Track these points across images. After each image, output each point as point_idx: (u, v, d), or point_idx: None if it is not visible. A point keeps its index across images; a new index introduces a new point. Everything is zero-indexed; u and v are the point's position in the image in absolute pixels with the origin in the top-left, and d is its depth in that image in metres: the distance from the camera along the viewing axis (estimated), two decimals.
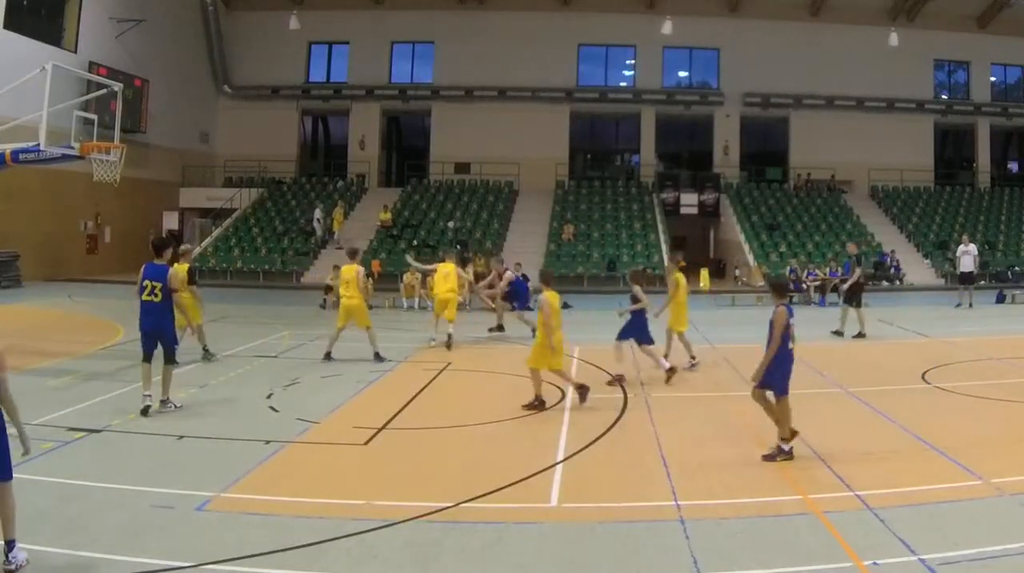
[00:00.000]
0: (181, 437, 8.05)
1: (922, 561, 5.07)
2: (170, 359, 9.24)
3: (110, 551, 5.19)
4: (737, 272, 29.51)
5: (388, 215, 31.99)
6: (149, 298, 9.14)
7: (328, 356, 12.66)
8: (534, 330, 10.57)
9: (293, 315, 19.74)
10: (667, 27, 34.35)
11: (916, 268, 29.33)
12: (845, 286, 16.39)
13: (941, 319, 19.03)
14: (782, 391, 7.37)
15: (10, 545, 4.88)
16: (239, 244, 31.05)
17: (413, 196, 35.17)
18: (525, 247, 29.28)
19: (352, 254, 13.81)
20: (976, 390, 10.35)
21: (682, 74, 39.11)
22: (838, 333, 15.65)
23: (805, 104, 36.91)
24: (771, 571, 5.06)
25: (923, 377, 11.29)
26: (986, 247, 29.41)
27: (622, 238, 31.39)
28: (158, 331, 9.18)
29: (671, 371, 11.10)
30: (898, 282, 28.19)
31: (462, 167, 36.63)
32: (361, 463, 7.54)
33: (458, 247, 28.41)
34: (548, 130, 36.53)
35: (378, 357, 12.59)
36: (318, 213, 31.70)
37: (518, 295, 16.66)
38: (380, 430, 8.41)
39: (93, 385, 10.41)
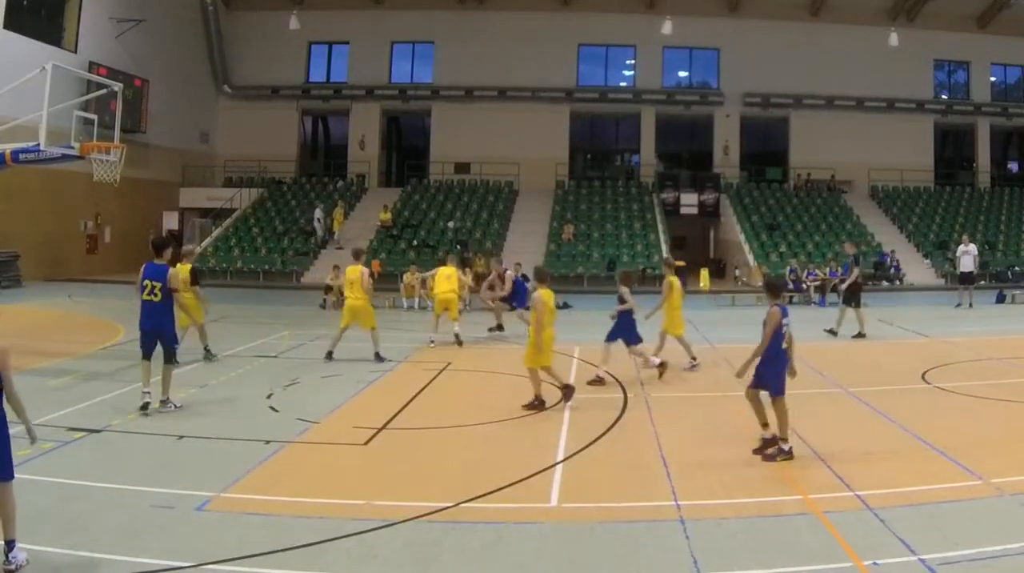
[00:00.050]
0: (181, 437, 8.05)
1: (922, 561, 5.07)
2: (169, 359, 9.24)
3: (110, 551, 5.19)
4: (737, 272, 29.50)
5: (388, 215, 31.99)
6: (149, 298, 9.16)
7: (330, 355, 12.68)
8: None
9: (293, 315, 19.74)
10: (667, 27, 34.35)
11: (916, 268, 29.33)
12: (843, 286, 16.38)
13: (941, 319, 19.03)
14: (778, 391, 7.38)
15: (10, 545, 4.88)
16: (239, 244, 31.04)
17: (413, 196, 35.17)
18: (525, 247, 29.28)
19: (357, 255, 13.86)
20: (976, 390, 10.36)
21: (682, 74, 39.11)
22: (831, 332, 15.63)
23: (805, 104, 36.91)
24: (771, 571, 5.06)
25: (923, 377, 11.30)
26: (986, 247, 29.41)
27: (622, 238, 31.39)
28: (158, 331, 9.19)
29: (662, 366, 11.14)
30: (898, 282, 28.19)
31: (462, 167, 36.63)
32: (361, 463, 7.54)
33: (458, 247, 28.44)
34: (548, 130, 36.53)
35: (378, 357, 12.59)
36: (318, 213, 31.70)
37: (517, 295, 16.68)
38: (380, 430, 8.41)
39: (93, 385, 10.41)
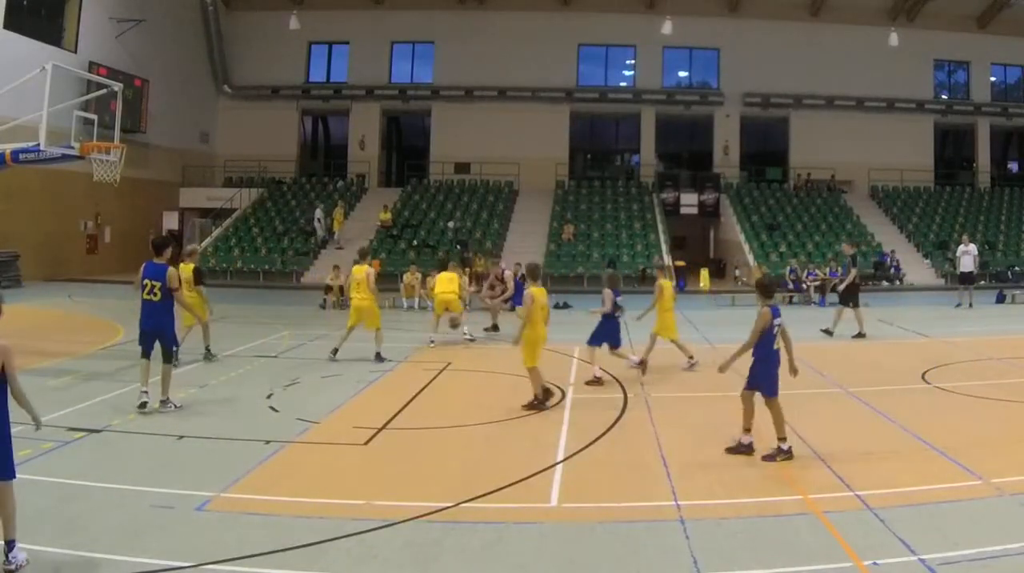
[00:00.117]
0: (181, 437, 8.05)
1: (922, 561, 5.07)
2: (168, 358, 9.24)
3: (110, 551, 5.19)
4: (737, 272, 29.51)
5: (388, 215, 31.99)
6: (149, 297, 9.17)
7: (335, 352, 12.71)
8: None
9: (293, 315, 19.74)
10: (667, 27, 34.36)
11: (916, 268, 29.34)
12: (841, 287, 16.34)
13: (941, 319, 19.03)
14: (771, 392, 7.39)
15: (10, 545, 4.88)
16: (239, 244, 31.04)
17: (413, 196, 35.17)
18: (525, 247, 29.27)
19: (363, 255, 13.90)
20: (976, 390, 10.35)
21: (682, 74, 39.12)
22: (827, 332, 15.62)
23: (805, 104, 36.92)
24: (771, 571, 5.06)
25: (923, 377, 11.29)
26: (986, 247, 29.41)
27: (622, 238, 31.39)
28: (158, 331, 9.20)
29: (641, 365, 11.11)
30: (898, 282, 28.20)
31: (462, 167, 36.63)
32: (361, 463, 7.54)
33: (458, 247, 28.45)
34: (548, 130, 36.53)
35: (379, 358, 12.60)
36: (319, 213, 31.69)
37: (517, 294, 16.73)
38: (380, 430, 8.41)
39: (93, 385, 10.43)
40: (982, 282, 25.28)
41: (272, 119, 37.18)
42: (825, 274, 24.09)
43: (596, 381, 10.88)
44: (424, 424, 8.77)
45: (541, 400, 9.48)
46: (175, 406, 9.18)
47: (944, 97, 38.36)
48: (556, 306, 20.02)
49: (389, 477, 7.06)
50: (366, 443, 7.97)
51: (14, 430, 5.03)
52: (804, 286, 24.17)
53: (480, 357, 13.59)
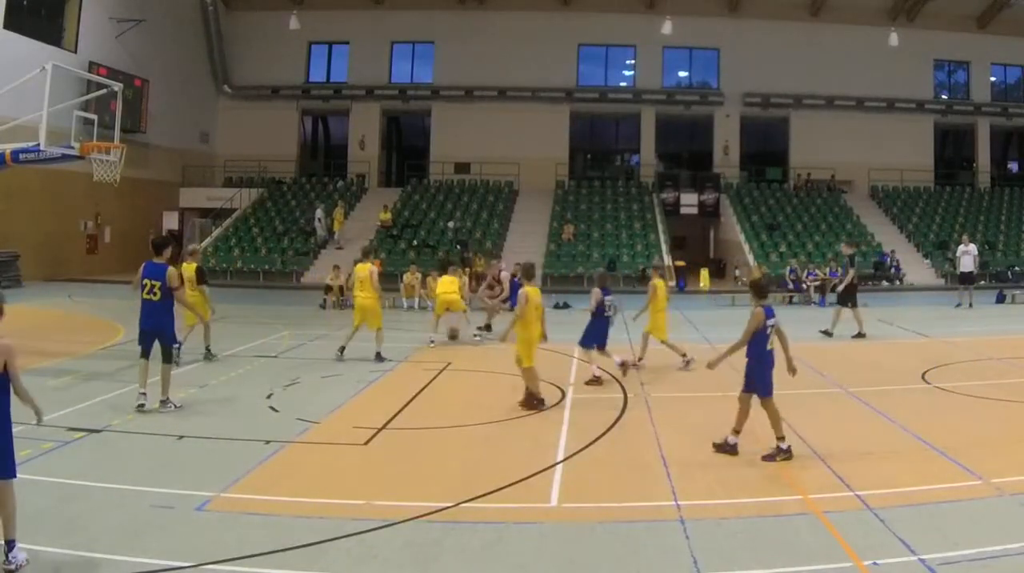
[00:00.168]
0: (181, 437, 8.05)
1: (922, 561, 5.08)
2: (168, 358, 9.24)
3: (110, 551, 5.19)
4: (737, 272, 29.50)
5: (388, 215, 31.98)
6: (148, 297, 9.18)
7: (342, 351, 12.74)
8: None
9: (293, 315, 19.74)
10: (667, 27, 34.35)
11: (916, 268, 29.33)
12: (840, 288, 16.28)
13: (941, 319, 19.03)
14: (765, 393, 7.40)
15: (10, 545, 4.88)
16: (239, 244, 31.04)
17: (413, 196, 35.17)
18: (525, 247, 29.27)
19: (366, 253, 13.93)
20: (976, 390, 10.35)
21: (682, 74, 39.11)
22: (827, 333, 15.63)
23: (805, 104, 36.90)
24: (771, 571, 5.06)
25: (923, 377, 11.30)
26: (986, 247, 29.41)
27: (622, 238, 31.39)
28: (157, 330, 9.22)
29: (623, 366, 11.09)
30: (898, 282, 28.20)
31: (462, 167, 36.63)
32: (361, 463, 7.54)
33: (458, 247, 28.45)
34: (548, 130, 36.52)
35: (379, 357, 12.60)
36: (319, 213, 31.67)
37: (514, 294, 16.74)
38: (380, 430, 8.41)
39: (93, 385, 10.43)
40: (982, 282, 25.27)
41: (272, 119, 37.17)
42: (825, 274, 24.10)
43: (595, 380, 10.89)
44: (424, 424, 8.77)
45: (539, 400, 9.48)
46: (175, 406, 9.18)
47: (944, 97, 38.35)
48: (556, 306, 20.05)
49: (389, 477, 7.06)
50: (366, 443, 7.98)
51: (15, 430, 5.04)
52: (804, 286, 24.17)
53: (480, 357, 13.59)
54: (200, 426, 8.52)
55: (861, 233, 31.50)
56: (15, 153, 14.16)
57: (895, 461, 7.31)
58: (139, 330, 9.31)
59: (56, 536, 5.37)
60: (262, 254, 30.23)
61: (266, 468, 7.13)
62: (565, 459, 7.46)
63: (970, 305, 21.14)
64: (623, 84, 38.80)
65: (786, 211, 33.97)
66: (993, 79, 38.45)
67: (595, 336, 11.21)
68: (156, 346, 9.24)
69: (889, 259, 28.86)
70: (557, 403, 9.75)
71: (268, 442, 7.85)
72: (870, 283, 26.93)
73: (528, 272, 10.20)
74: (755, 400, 7.48)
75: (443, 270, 15.78)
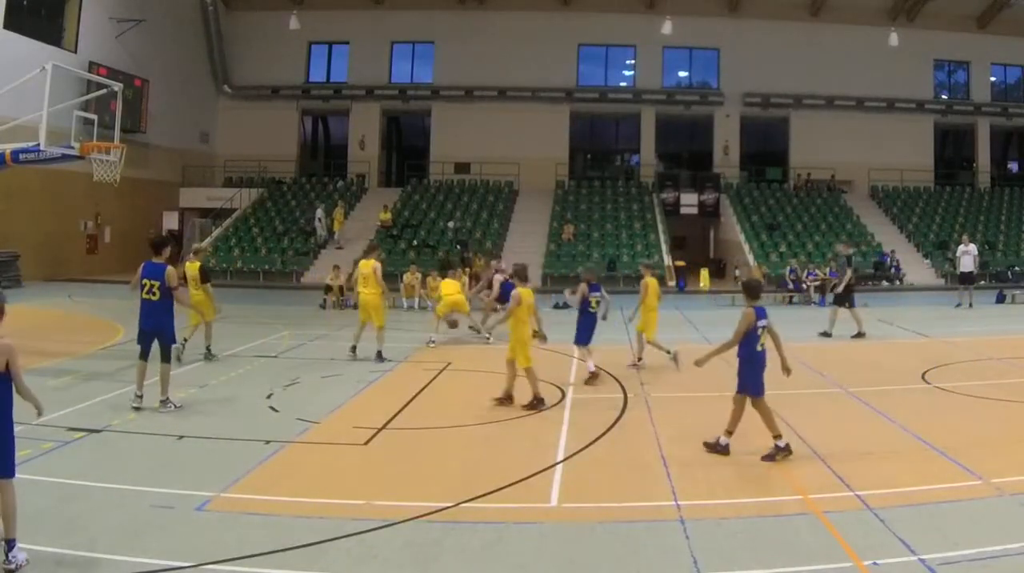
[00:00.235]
0: (181, 437, 8.05)
1: (922, 561, 5.07)
2: (167, 358, 9.23)
3: (110, 551, 5.19)
4: (737, 272, 29.48)
5: (388, 215, 31.99)
6: (147, 297, 9.17)
7: (354, 350, 12.79)
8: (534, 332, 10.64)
9: (293, 315, 19.74)
10: (667, 27, 34.36)
11: (916, 268, 29.35)
12: (839, 288, 16.22)
13: (941, 319, 19.04)
14: (756, 393, 7.41)
15: (10, 544, 4.88)
16: (239, 244, 31.05)
17: (413, 196, 35.17)
18: (525, 247, 29.28)
19: (370, 249, 13.96)
20: (976, 390, 10.35)
21: (682, 74, 39.12)
22: (826, 334, 15.64)
23: (805, 104, 36.92)
24: (771, 571, 5.06)
25: (923, 377, 11.30)
26: (986, 247, 29.42)
27: (622, 238, 31.39)
28: (157, 330, 9.21)
29: (593, 377, 11.00)
30: (898, 282, 28.21)
31: (462, 167, 36.64)
32: (361, 463, 7.54)
33: (458, 247, 28.45)
34: (548, 130, 36.54)
35: (380, 357, 12.60)
36: (320, 213, 31.68)
37: (506, 296, 16.78)
38: (380, 430, 8.41)
39: (93, 385, 10.43)
40: (982, 282, 25.29)
41: (272, 119, 37.18)
42: (825, 274, 24.09)
43: (593, 377, 10.90)
44: (424, 424, 8.77)
45: (539, 400, 9.49)
46: (175, 406, 9.17)
47: (944, 97, 38.37)
48: (556, 306, 20.03)
49: (389, 477, 7.06)
50: (366, 443, 7.97)
51: (17, 429, 5.04)
52: (804, 286, 24.17)
53: (480, 357, 13.59)
54: (200, 426, 8.52)
55: (861, 233, 31.53)
56: (15, 153, 14.16)
57: (895, 461, 7.31)
58: (139, 330, 9.32)
59: (56, 536, 5.37)
60: (262, 254, 30.24)
61: (266, 468, 7.13)
62: (565, 459, 7.45)
63: (970, 305, 21.14)
64: (623, 84, 38.81)
65: (786, 211, 33.97)
66: (993, 79, 38.46)
67: (585, 331, 11.29)
68: (156, 347, 9.24)
69: (889, 259, 28.87)
70: (557, 403, 9.75)
71: (268, 442, 7.85)
72: (870, 283, 26.95)
73: (521, 274, 10.21)
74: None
75: (443, 270, 15.83)
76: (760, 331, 7.42)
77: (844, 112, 36.67)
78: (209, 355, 12.58)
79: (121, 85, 16.77)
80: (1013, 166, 41.34)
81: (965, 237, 23.55)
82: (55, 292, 23.14)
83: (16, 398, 5.07)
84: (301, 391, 10.57)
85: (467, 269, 22.15)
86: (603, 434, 8.32)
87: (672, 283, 27.70)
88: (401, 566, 5.18)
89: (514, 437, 8.42)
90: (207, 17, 35.17)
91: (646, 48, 37.33)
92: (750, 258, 29.51)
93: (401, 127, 42.22)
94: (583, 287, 11.43)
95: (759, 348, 7.43)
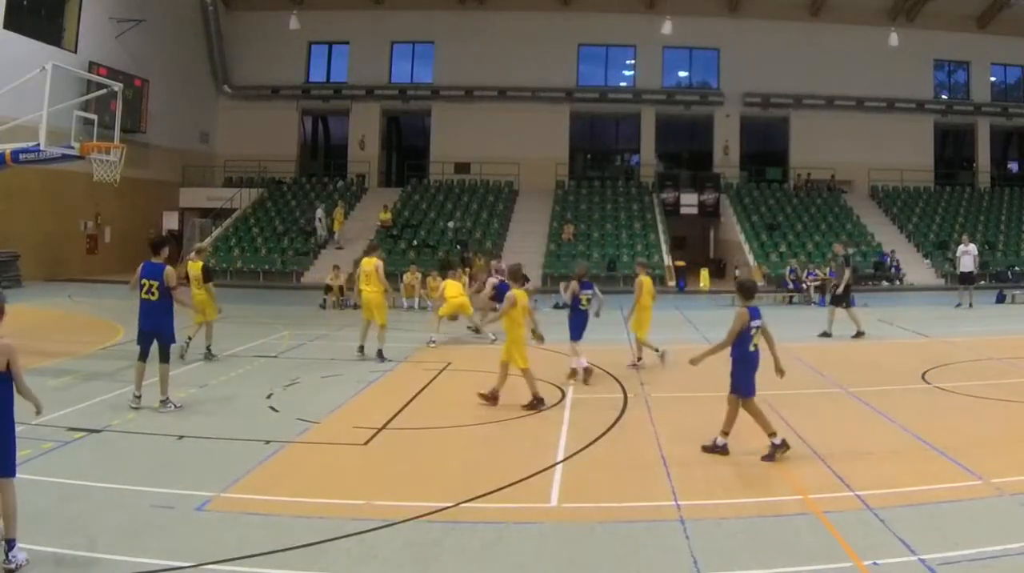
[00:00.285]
0: (181, 437, 8.05)
1: (922, 561, 5.07)
2: (166, 358, 9.23)
3: (110, 551, 5.19)
4: (737, 272, 29.43)
5: (388, 215, 31.98)
6: (147, 297, 9.16)
7: (361, 349, 12.80)
8: (533, 333, 10.68)
9: (293, 315, 19.74)
10: (667, 27, 34.35)
11: (916, 268, 29.34)
12: (839, 289, 16.17)
13: (941, 319, 19.03)
14: (746, 394, 7.43)
15: (10, 544, 4.88)
16: (239, 244, 31.04)
17: (413, 196, 35.17)
18: (525, 247, 29.29)
19: (372, 248, 13.99)
20: (976, 390, 10.35)
21: (682, 74, 39.11)
22: (826, 334, 15.63)
23: (805, 104, 36.91)
24: (771, 571, 5.06)
25: (923, 377, 11.29)
26: (986, 247, 29.41)
27: (622, 238, 31.39)
28: (156, 330, 9.21)
29: (572, 373, 11.11)
30: (898, 282, 28.21)
31: (462, 167, 36.63)
32: (361, 463, 7.54)
33: (458, 247, 28.45)
34: (548, 130, 36.53)
35: (381, 356, 12.61)
36: (320, 213, 31.67)
37: (500, 297, 16.82)
38: (380, 430, 8.41)
39: (93, 385, 10.43)
40: (982, 282, 25.28)
41: (272, 119, 37.17)
42: (825, 274, 24.06)
43: (587, 373, 10.96)
44: (424, 424, 8.77)
45: (539, 399, 9.49)
46: (175, 406, 9.17)
47: (944, 97, 38.36)
48: (556, 306, 20.03)
49: (389, 477, 7.06)
50: (366, 443, 7.97)
51: (18, 430, 5.05)
52: (804, 286, 24.17)
53: (480, 357, 13.57)
54: (200, 426, 8.52)
55: (861, 233, 31.54)
56: (15, 153, 14.16)
57: (895, 461, 7.32)
58: (138, 330, 9.32)
59: (56, 536, 5.36)
60: (262, 254, 30.23)
61: (266, 468, 7.13)
62: (565, 459, 7.45)
63: (970, 305, 21.13)
64: (623, 84, 38.80)
65: (786, 211, 33.97)
66: (993, 79, 38.45)
67: (576, 328, 11.37)
68: (155, 347, 9.24)
69: (889, 259, 28.87)
70: (557, 403, 9.75)
71: (268, 442, 7.85)
72: (870, 283, 26.96)
73: (515, 275, 10.25)
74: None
75: (443, 270, 15.87)
76: (754, 331, 7.43)
77: (844, 112, 36.66)
78: (209, 355, 12.58)
79: (121, 85, 16.76)
80: (1013, 166, 41.34)
81: (965, 237, 23.55)
82: (55, 292, 23.14)
83: (16, 398, 5.08)
84: (301, 391, 10.57)
85: (467, 269, 22.14)
86: (603, 434, 8.32)
87: (672, 283, 27.70)
88: (401, 566, 5.18)
89: (514, 437, 8.42)
90: (207, 17, 35.16)
91: (646, 48, 37.33)
92: (750, 258, 29.51)
93: (401, 127, 42.22)
94: (573, 285, 11.52)
95: (752, 348, 7.44)
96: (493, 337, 15.13)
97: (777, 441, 7.27)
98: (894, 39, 34.20)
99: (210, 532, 5.61)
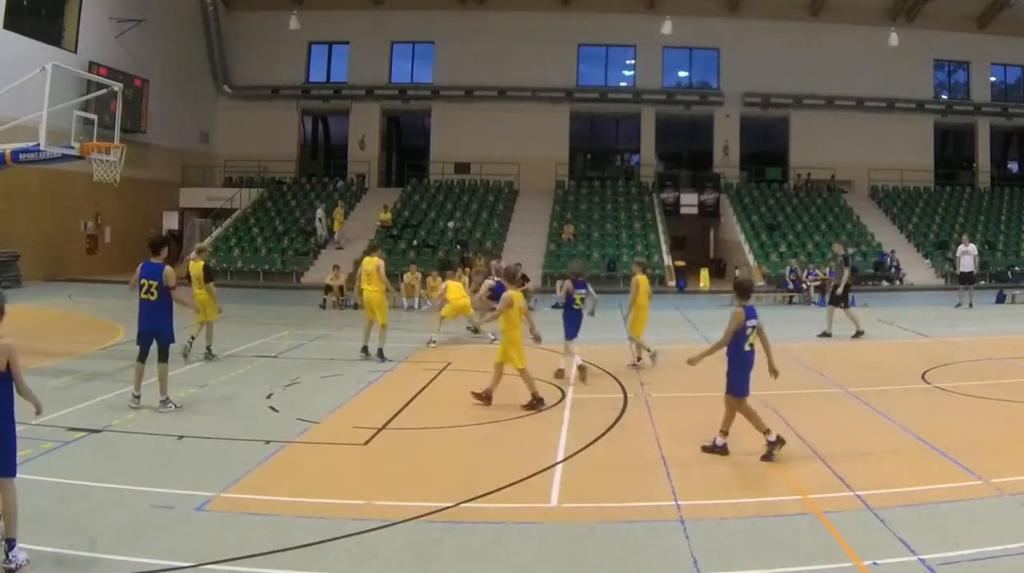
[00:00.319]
0: (181, 437, 8.05)
1: (922, 561, 5.07)
2: (164, 358, 9.22)
3: (110, 551, 5.19)
4: (737, 272, 29.43)
5: (388, 215, 31.98)
6: (146, 297, 9.16)
7: (364, 350, 12.80)
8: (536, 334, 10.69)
9: (293, 315, 19.74)
10: (667, 27, 34.35)
11: (916, 268, 29.34)
12: (839, 290, 16.17)
13: (941, 319, 19.03)
14: (740, 394, 7.44)
15: (11, 544, 4.88)
16: (239, 244, 31.04)
17: (413, 196, 35.17)
18: (525, 247, 29.29)
19: (373, 248, 14.01)
20: (976, 390, 10.35)
21: (682, 74, 39.11)
22: (826, 334, 15.63)
23: (805, 104, 36.91)
24: (771, 571, 5.06)
25: (923, 377, 11.29)
26: (986, 247, 29.41)
27: (622, 238, 31.39)
28: (156, 331, 9.21)
29: (559, 373, 11.16)
30: (898, 282, 28.21)
31: (462, 167, 36.63)
32: (361, 463, 7.54)
33: (458, 247, 28.45)
34: (548, 130, 36.53)
35: (381, 355, 12.62)
36: (320, 213, 31.68)
37: (496, 298, 16.84)
38: (380, 430, 8.41)
39: (93, 385, 10.43)
40: (982, 282, 25.28)
41: (272, 119, 37.17)
42: (825, 274, 24.06)
43: (581, 370, 11.00)
44: (424, 424, 8.77)
45: (538, 399, 9.49)
46: (175, 406, 9.17)
47: (944, 97, 38.35)
48: (555, 306, 20.01)
49: (389, 477, 7.06)
50: (366, 443, 7.97)
51: (20, 428, 5.05)
52: (804, 286, 24.17)
53: (480, 357, 13.55)
54: (200, 426, 8.52)
55: (861, 233, 31.54)
56: (15, 153, 14.16)
57: (895, 461, 7.31)
58: (138, 331, 9.32)
59: (56, 536, 5.36)
60: (262, 254, 30.24)
61: (266, 468, 7.13)
62: (565, 459, 7.45)
63: (970, 305, 21.13)
64: (623, 84, 38.80)
65: (786, 211, 33.97)
66: (993, 79, 38.45)
67: (571, 326, 11.42)
68: (155, 347, 9.24)
69: (889, 259, 28.87)
70: (557, 403, 9.75)
71: (268, 442, 7.85)
72: (870, 283, 26.96)
73: (510, 276, 10.27)
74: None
75: (443, 270, 15.88)
76: (749, 331, 7.44)
77: (844, 112, 36.66)
78: (209, 355, 12.58)
79: (121, 85, 16.77)
80: (1013, 166, 41.34)
81: (965, 237, 23.56)
82: (55, 292, 23.14)
83: (17, 397, 5.08)
84: (301, 391, 10.57)
85: (467, 269, 22.15)
86: (603, 434, 8.32)
87: (672, 283, 27.70)
88: (401, 566, 5.18)
89: (514, 437, 8.42)
90: (207, 17, 35.15)
91: (646, 48, 37.32)
92: (750, 258, 29.50)
93: (401, 127, 42.22)
94: (567, 284, 11.56)
95: (747, 348, 7.45)
96: (493, 336, 15.14)
97: (772, 438, 7.28)
98: (894, 39, 34.19)
99: (210, 532, 5.61)
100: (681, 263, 28.87)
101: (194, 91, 35.79)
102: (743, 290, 7.77)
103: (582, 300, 11.61)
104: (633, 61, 38.47)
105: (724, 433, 7.53)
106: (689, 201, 34.67)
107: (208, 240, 31.15)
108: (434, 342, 14.48)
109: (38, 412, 5.35)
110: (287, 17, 34.74)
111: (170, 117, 33.15)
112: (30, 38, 25.38)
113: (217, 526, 5.73)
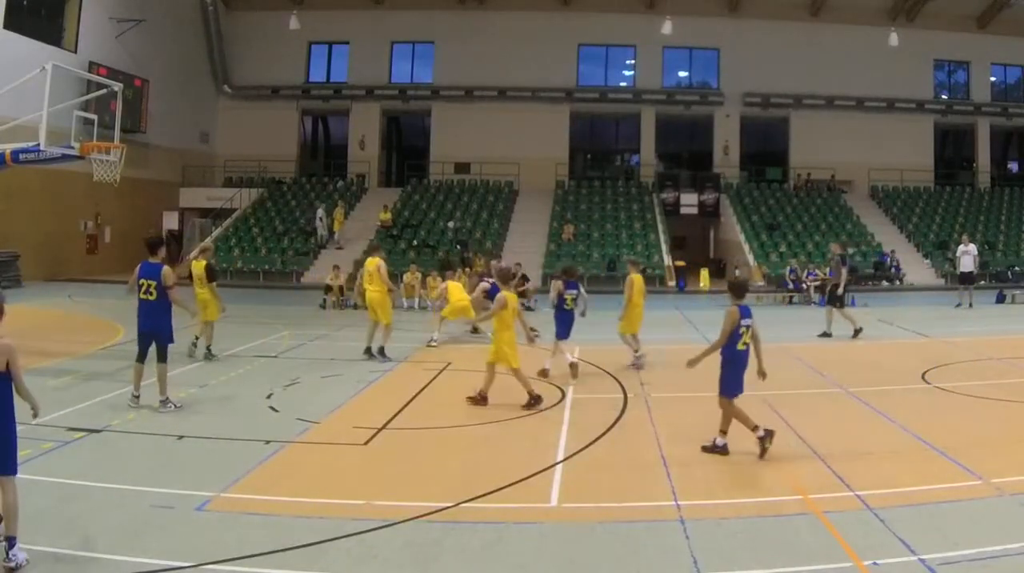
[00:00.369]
0: (181, 437, 8.05)
1: (922, 561, 5.07)
2: (163, 358, 9.22)
3: (110, 551, 5.19)
4: (737, 272, 29.47)
5: (388, 215, 31.99)
6: (145, 297, 9.16)
7: (368, 351, 12.82)
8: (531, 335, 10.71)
9: (293, 315, 19.74)
10: (667, 27, 34.36)
11: (916, 268, 29.35)
12: (841, 289, 16.17)
13: (941, 319, 19.04)
14: (732, 393, 7.46)
15: (11, 543, 4.88)
16: (239, 244, 31.05)
17: (413, 196, 35.17)
18: (525, 247, 29.29)
19: (374, 248, 14.03)
20: (976, 390, 10.35)
21: (682, 74, 39.12)
22: (826, 334, 15.63)
23: (805, 104, 36.92)
24: (771, 571, 5.05)
25: (923, 377, 11.29)
26: (986, 247, 29.42)
27: (622, 238, 31.39)
28: (155, 331, 9.20)
29: (543, 373, 11.14)
30: (898, 282, 28.22)
31: (462, 167, 36.64)
32: (361, 463, 7.54)
33: (458, 247, 28.44)
34: (548, 130, 36.53)
35: (383, 355, 12.62)
36: (320, 213, 31.68)
37: (493, 298, 16.86)
38: (380, 430, 8.41)
39: (93, 385, 10.43)
40: (982, 282, 25.29)
41: (272, 119, 37.18)
42: (825, 274, 24.05)
43: (572, 367, 11.03)
44: (424, 424, 8.77)
45: (537, 398, 9.49)
46: (175, 406, 9.17)
47: (944, 97, 38.36)
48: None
49: (389, 477, 7.06)
50: (366, 443, 7.97)
51: (20, 428, 5.05)
52: (804, 286, 24.17)
53: (480, 357, 13.51)
54: (200, 426, 8.52)
55: (861, 233, 31.54)
56: (15, 153, 14.16)
57: (895, 461, 7.32)
58: (137, 331, 9.31)
59: (56, 536, 5.36)
60: (262, 254, 30.24)
61: (266, 468, 7.13)
62: (565, 459, 7.45)
63: (970, 305, 21.14)
64: (623, 84, 38.80)
65: (786, 211, 33.97)
66: (993, 79, 38.46)
67: (562, 326, 11.48)
68: (154, 347, 9.24)
69: (889, 259, 28.87)
70: (557, 403, 9.75)
71: (268, 442, 7.85)
72: (870, 283, 26.97)
73: (504, 277, 10.29)
74: (738, 399, 7.51)
75: (443, 270, 15.87)
76: (743, 330, 7.45)
77: (844, 112, 36.66)
78: (209, 355, 12.58)
79: (121, 85, 16.76)
80: (1013, 166, 41.34)
81: (965, 237, 23.56)
82: (55, 292, 23.14)
83: (17, 397, 5.08)
84: (301, 391, 10.57)
85: (467, 269, 22.15)
86: (603, 434, 8.32)
87: (672, 283, 27.70)
88: (401, 566, 5.18)
89: (514, 437, 8.42)
90: (207, 17, 35.16)
91: (646, 48, 37.32)
92: (750, 258, 29.51)
93: (401, 127, 42.23)
94: (558, 284, 11.59)
95: (741, 346, 7.47)
96: (434, 341, 15.08)
97: (761, 433, 7.31)
98: (894, 39, 34.20)
99: (210, 532, 5.60)
100: (681, 263, 28.87)
101: (194, 91, 35.79)
102: (737, 289, 7.80)
103: (573, 301, 11.65)
104: (633, 61, 38.47)
105: (724, 433, 7.54)
106: (689, 201, 34.68)
107: (208, 240, 31.14)
108: (434, 342, 14.47)
109: (35, 414, 5.34)
110: (287, 17, 34.74)
111: (170, 117, 33.15)
112: (30, 38, 25.37)
113: (217, 526, 5.73)
